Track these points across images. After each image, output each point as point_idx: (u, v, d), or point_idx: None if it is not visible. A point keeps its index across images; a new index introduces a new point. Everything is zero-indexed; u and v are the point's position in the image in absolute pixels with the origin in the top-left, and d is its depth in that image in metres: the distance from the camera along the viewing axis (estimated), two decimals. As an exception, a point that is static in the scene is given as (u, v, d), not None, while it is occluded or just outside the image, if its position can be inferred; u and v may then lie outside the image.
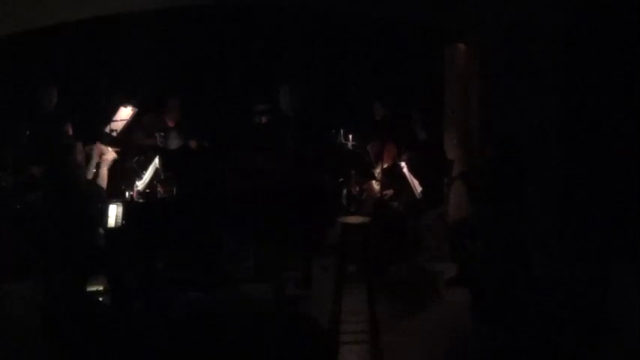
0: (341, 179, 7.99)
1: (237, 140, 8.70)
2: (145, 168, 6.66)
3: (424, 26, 8.19)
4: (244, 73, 9.22)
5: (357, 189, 8.04)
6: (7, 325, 6.27)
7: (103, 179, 6.40)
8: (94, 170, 6.55)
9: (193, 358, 4.74)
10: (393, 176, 7.80)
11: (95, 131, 7.71)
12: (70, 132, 7.29)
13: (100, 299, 6.51)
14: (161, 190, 6.45)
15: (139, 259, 6.51)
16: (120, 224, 6.37)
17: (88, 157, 6.82)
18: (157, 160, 6.54)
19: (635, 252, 6.61)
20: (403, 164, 7.69)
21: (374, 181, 7.87)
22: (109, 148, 6.47)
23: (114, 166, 6.53)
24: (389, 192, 7.79)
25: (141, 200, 6.43)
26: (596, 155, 7.34)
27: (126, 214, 6.38)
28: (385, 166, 7.80)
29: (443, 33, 8.31)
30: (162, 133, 8.22)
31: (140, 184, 6.50)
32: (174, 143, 8.33)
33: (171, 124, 8.54)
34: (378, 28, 8.84)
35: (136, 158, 7.08)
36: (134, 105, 7.95)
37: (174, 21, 8.66)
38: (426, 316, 6.60)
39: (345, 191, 8.02)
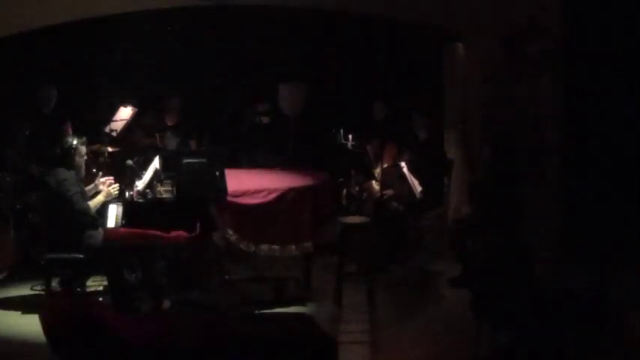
0: (341, 179, 7.99)
1: (237, 140, 8.72)
2: (145, 168, 6.66)
3: (424, 26, 8.19)
4: (244, 73, 9.22)
5: (357, 189, 8.04)
6: (7, 325, 6.27)
7: (95, 205, 6.42)
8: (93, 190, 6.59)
9: (193, 358, 4.74)
10: (393, 176, 7.80)
11: (95, 131, 7.71)
12: (70, 132, 7.29)
13: (100, 299, 6.51)
14: (161, 190, 6.45)
15: (138, 259, 6.51)
16: (120, 224, 6.36)
17: (89, 164, 6.83)
18: (156, 160, 6.53)
19: (636, 253, 6.60)
20: (403, 164, 7.69)
21: (374, 181, 7.87)
22: (115, 185, 6.49)
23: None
24: (389, 192, 7.79)
25: (141, 200, 6.43)
26: (597, 155, 7.33)
27: (126, 214, 6.37)
28: (385, 166, 7.80)
29: (443, 33, 8.31)
30: (162, 133, 8.22)
31: (140, 184, 6.49)
32: (173, 143, 8.33)
33: (171, 124, 8.54)
34: (379, 28, 8.83)
35: (136, 158, 7.08)
36: (134, 105, 7.94)
37: (174, 21, 8.67)
38: (426, 316, 6.60)
39: (345, 191, 8.02)
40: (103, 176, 6.61)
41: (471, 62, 8.02)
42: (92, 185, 6.58)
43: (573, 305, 5.21)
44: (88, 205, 6.34)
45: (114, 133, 7.78)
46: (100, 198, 6.45)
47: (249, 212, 6.51)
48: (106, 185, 6.49)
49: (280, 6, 8.12)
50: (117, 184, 6.51)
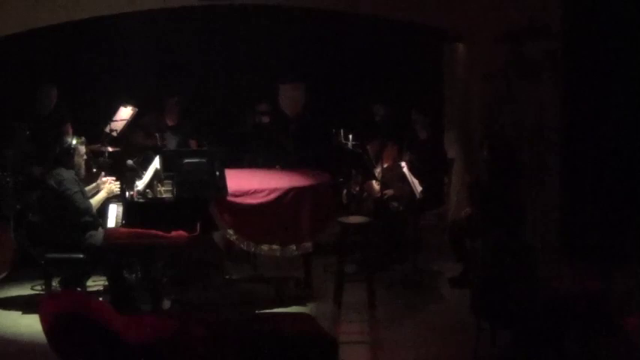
0: (341, 179, 7.99)
1: (237, 140, 8.71)
2: (145, 168, 6.66)
3: (424, 26, 8.19)
4: (244, 73, 9.21)
5: (357, 189, 8.04)
6: (7, 325, 6.28)
7: (98, 203, 6.43)
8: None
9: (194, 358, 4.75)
10: (393, 176, 7.80)
11: (95, 131, 7.71)
12: (70, 132, 7.29)
13: (100, 299, 6.51)
14: (161, 190, 6.45)
15: (138, 259, 6.52)
16: (120, 224, 6.36)
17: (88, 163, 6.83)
18: (156, 160, 6.54)
19: (636, 253, 6.61)
20: (403, 164, 7.68)
21: (374, 181, 7.87)
22: (117, 182, 6.50)
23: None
24: (389, 192, 7.79)
25: (141, 200, 6.43)
26: (597, 155, 7.34)
27: (126, 213, 6.37)
28: (385, 166, 7.80)
29: (443, 33, 8.31)
30: (160, 133, 8.21)
31: (140, 184, 6.49)
32: (174, 143, 8.33)
33: (171, 124, 8.53)
34: (379, 28, 8.83)
35: (136, 158, 7.08)
36: (134, 105, 7.94)
37: (175, 21, 8.66)
38: (426, 316, 6.60)
39: (345, 191, 8.02)
40: (105, 176, 6.62)
41: (471, 62, 8.02)
42: (94, 185, 6.58)
43: (572, 304, 5.21)
44: (89, 204, 6.35)
45: (114, 133, 7.78)
46: (102, 195, 6.46)
47: (250, 212, 6.51)
48: (108, 183, 6.50)
49: (280, 6, 8.12)
50: (118, 182, 6.51)
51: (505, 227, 5.59)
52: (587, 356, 5.18)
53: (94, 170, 7.13)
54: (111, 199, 6.53)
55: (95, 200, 6.42)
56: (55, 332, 4.55)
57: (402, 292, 7.16)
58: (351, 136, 7.81)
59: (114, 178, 6.54)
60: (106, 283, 6.62)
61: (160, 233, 6.21)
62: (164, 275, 6.57)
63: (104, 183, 6.51)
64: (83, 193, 6.39)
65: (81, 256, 6.29)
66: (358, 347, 5.96)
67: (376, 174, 7.82)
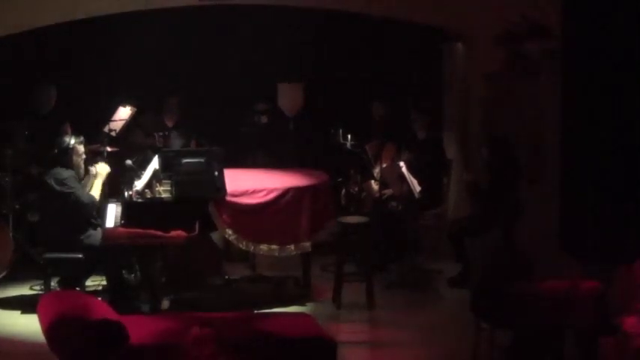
0: (340, 179, 7.98)
1: (236, 140, 8.71)
2: (144, 168, 6.66)
3: (424, 26, 8.19)
4: (244, 72, 9.21)
5: (356, 189, 8.04)
6: (7, 325, 6.28)
7: (97, 190, 6.43)
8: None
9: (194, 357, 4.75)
10: (392, 176, 7.79)
11: (95, 131, 7.70)
12: (69, 132, 7.28)
13: (100, 299, 6.51)
14: (160, 190, 6.45)
15: (138, 258, 6.52)
16: (119, 224, 6.35)
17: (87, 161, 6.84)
18: (155, 160, 6.53)
19: (635, 252, 6.60)
20: (402, 164, 7.67)
21: (373, 181, 7.87)
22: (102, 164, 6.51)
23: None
24: (388, 191, 7.78)
25: (140, 200, 6.43)
26: (596, 155, 7.34)
27: (125, 213, 6.37)
28: (384, 165, 7.80)
29: (443, 33, 8.31)
30: (162, 133, 8.21)
31: (139, 184, 6.49)
32: (173, 143, 8.32)
33: (170, 124, 8.53)
34: (379, 28, 8.83)
35: (135, 158, 7.08)
36: (133, 105, 7.93)
37: (174, 21, 8.65)
38: (425, 316, 6.60)
39: (344, 191, 8.02)
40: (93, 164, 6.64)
41: (471, 62, 8.02)
42: (86, 177, 6.58)
43: (573, 305, 5.20)
44: (92, 196, 6.38)
45: (113, 133, 7.77)
46: (98, 181, 6.45)
47: (248, 212, 6.51)
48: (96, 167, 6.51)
49: (280, 6, 8.12)
50: (105, 165, 6.52)
51: (504, 227, 5.58)
52: (587, 356, 5.17)
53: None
54: (110, 198, 6.53)
55: (94, 189, 6.42)
56: (54, 332, 4.55)
57: (402, 292, 7.16)
58: (349, 136, 7.82)
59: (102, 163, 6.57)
60: (106, 283, 6.62)
61: (159, 233, 6.21)
62: (163, 275, 6.57)
63: (95, 167, 6.52)
64: (84, 187, 6.41)
65: (80, 256, 6.29)
66: (357, 347, 5.95)
67: (375, 174, 7.82)
